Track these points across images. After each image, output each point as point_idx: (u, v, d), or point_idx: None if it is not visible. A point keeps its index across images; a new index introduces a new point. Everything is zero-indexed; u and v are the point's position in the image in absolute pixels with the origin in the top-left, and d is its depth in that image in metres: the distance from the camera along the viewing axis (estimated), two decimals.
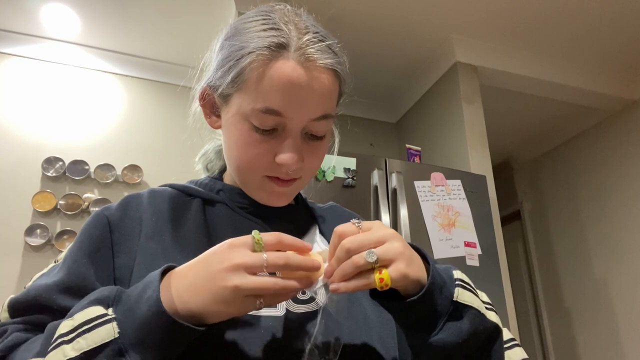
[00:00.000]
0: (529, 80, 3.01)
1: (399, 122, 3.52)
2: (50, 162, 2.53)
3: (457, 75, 2.82)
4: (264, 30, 0.57)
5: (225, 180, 0.70)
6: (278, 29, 0.57)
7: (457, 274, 0.54)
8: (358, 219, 0.52)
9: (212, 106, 0.65)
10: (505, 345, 0.58)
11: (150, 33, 2.74)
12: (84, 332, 0.43)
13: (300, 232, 0.68)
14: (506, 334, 0.61)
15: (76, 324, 0.44)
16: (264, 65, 0.56)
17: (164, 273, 0.47)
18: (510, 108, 3.39)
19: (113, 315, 0.44)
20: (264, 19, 0.59)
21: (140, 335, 0.43)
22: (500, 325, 0.55)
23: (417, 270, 0.49)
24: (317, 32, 0.59)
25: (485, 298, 0.58)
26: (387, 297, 0.52)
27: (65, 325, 0.44)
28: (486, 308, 0.55)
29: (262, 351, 0.52)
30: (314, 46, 0.57)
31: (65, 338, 0.43)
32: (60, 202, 2.47)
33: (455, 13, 2.65)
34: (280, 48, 0.56)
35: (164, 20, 2.66)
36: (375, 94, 3.37)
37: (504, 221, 3.90)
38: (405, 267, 0.48)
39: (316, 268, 0.48)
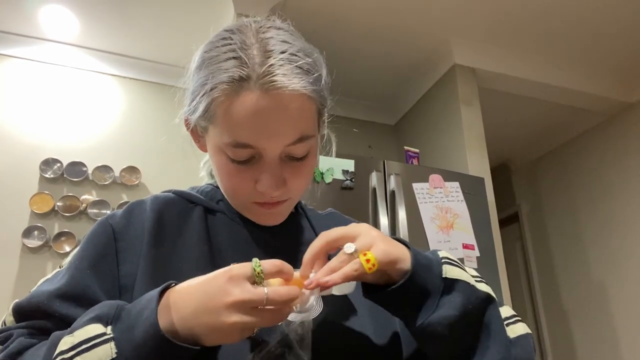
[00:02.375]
0: (527, 83, 3.02)
1: (398, 124, 3.52)
2: (48, 163, 2.53)
3: (456, 78, 2.83)
4: (226, 60, 0.55)
5: None
6: (238, 58, 0.54)
7: (443, 253, 0.56)
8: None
9: (197, 132, 0.65)
10: (509, 321, 0.59)
11: (148, 35, 2.74)
12: (83, 351, 0.44)
13: (298, 240, 0.68)
14: (508, 311, 0.61)
15: (76, 341, 0.45)
16: (228, 100, 0.54)
17: (163, 291, 0.47)
18: (508, 110, 3.40)
19: (111, 335, 0.45)
20: (225, 45, 0.57)
21: (137, 355, 0.43)
22: (492, 294, 0.56)
23: (399, 250, 0.51)
24: (284, 52, 0.55)
25: (474, 272, 0.59)
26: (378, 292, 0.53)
27: (65, 342, 0.45)
28: (476, 280, 0.56)
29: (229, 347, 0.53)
30: (279, 70, 0.53)
31: (65, 356, 0.44)
32: (58, 203, 2.47)
33: (453, 15, 2.65)
34: (241, 80, 0.53)
35: (162, 22, 2.66)
36: (374, 96, 3.37)
37: (502, 223, 3.89)
38: (386, 246, 0.50)
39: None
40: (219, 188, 0.70)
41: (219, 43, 0.58)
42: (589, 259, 3.43)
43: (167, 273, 0.57)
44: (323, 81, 0.60)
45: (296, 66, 0.55)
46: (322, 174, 1.98)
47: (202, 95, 0.56)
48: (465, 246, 2.12)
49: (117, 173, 2.64)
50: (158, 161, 2.73)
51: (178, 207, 0.66)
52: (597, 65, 3.10)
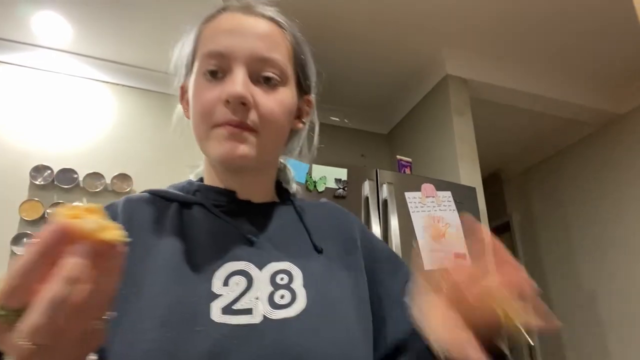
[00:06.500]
0: (519, 94, 3.05)
1: (390, 133, 3.54)
2: (38, 170, 2.51)
3: (448, 88, 2.85)
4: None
5: (205, 181, 0.69)
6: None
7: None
8: None
9: (187, 99, 0.69)
10: None
11: (141, 42, 2.74)
12: None
13: (283, 229, 0.65)
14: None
15: None
16: (210, 22, 0.65)
17: None
18: (499, 121, 3.43)
19: None
20: None
21: None
22: None
23: None
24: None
25: None
26: None
27: None
28: None
29: None
30: (258, 5, 0.65)
31: None
32: (48, 210, 2.44)
33: (446, 26, 2.68)
34: (223, 10, 0.65)
35: (155, 29, 2.66)
36: (367, 105, 3.39)
37: (494, 233, 3.92)
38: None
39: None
40: (195, 182, 0.69)
41: None
42: (579, 269, 3.45)
43: (134, 275, 0.53)
44: (300, 44, 0.68)
45: (275, 11, 0.67)
46: (314, 182, 1.98)
47: (192, 34, 0.67)
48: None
49: (108, 180, 2.62)
50: (149, 168, 2.72)
51: (152, 206, 0.63)
52: (588, 77, 3.14)
